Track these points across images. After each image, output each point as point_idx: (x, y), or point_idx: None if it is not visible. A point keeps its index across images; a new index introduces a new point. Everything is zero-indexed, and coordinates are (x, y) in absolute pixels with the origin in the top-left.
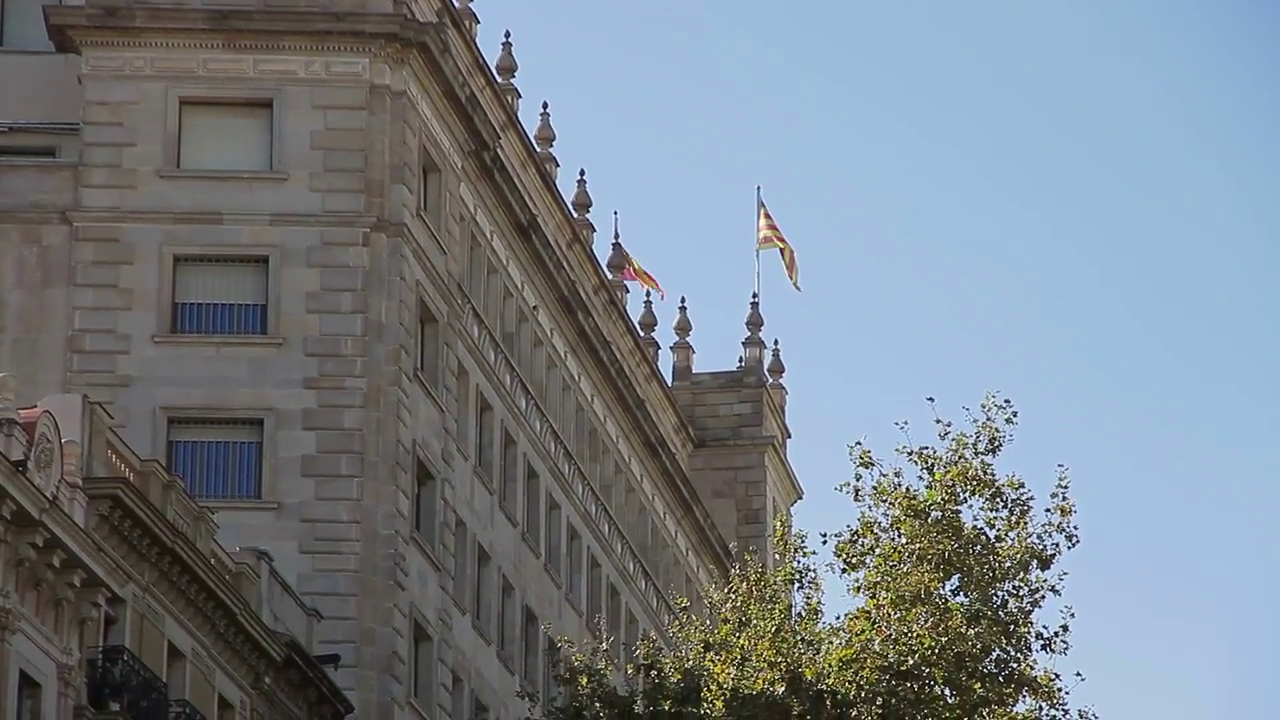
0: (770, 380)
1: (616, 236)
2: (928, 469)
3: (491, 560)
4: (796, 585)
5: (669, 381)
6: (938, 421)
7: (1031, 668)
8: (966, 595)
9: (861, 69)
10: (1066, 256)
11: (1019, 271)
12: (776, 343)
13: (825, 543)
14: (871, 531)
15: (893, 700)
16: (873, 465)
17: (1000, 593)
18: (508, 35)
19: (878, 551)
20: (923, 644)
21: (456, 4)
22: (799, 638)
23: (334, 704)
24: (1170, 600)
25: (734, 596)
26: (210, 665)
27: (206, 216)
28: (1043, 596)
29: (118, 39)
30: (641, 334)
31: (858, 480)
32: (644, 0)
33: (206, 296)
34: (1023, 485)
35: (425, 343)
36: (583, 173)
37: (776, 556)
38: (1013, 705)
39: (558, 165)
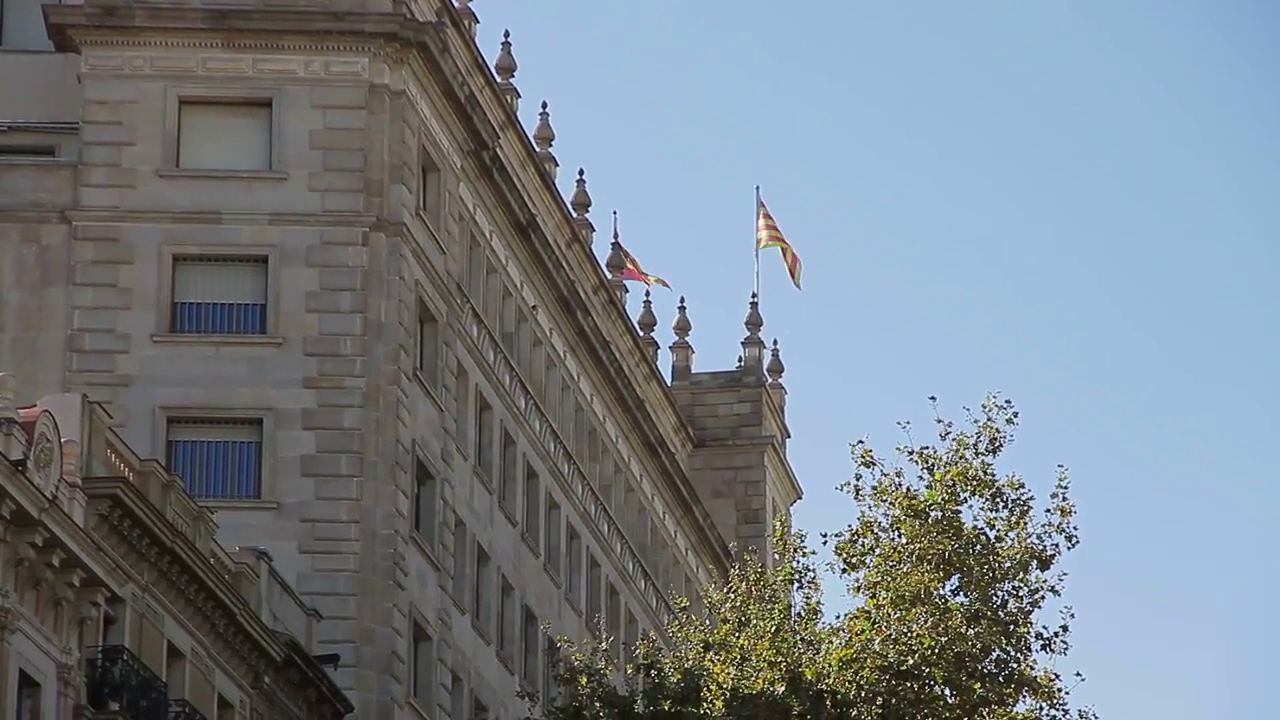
0: (769, 380)
1: (616, 236)
2: (928, 469)
3: (491, 560)
4: (796, 585)
5: (668, 381)
6: (938, 421)
7: (1031, 668)
8: (966, 595)
9: (861, 69)
10: (1067, 257)
11: (1019, 272)
12: (776, 342)
13: (825, 543)
14: (871, 531)
15: (893, 700)
16: (874, 465)
17: (1000, 593)
18: (507, 35)
19: (878, 551)
20: (923, 644)
21: (456, 4)
22: (799, 638)
23: (333, 704)
24: (1170, 600)
25: (733, 596)
26: (210, 665)
27: (206, 216)
28: (1042, 597)
29: (117, 38)
30: (641, 334)
31: (858, 480)
32: (643, 1)
33: (206, 296)
34: (1023, 485)
35: (424, 342)
36: (582, 172)
37: (776, 556)
38: (1013, 705)
39: (557, 165)
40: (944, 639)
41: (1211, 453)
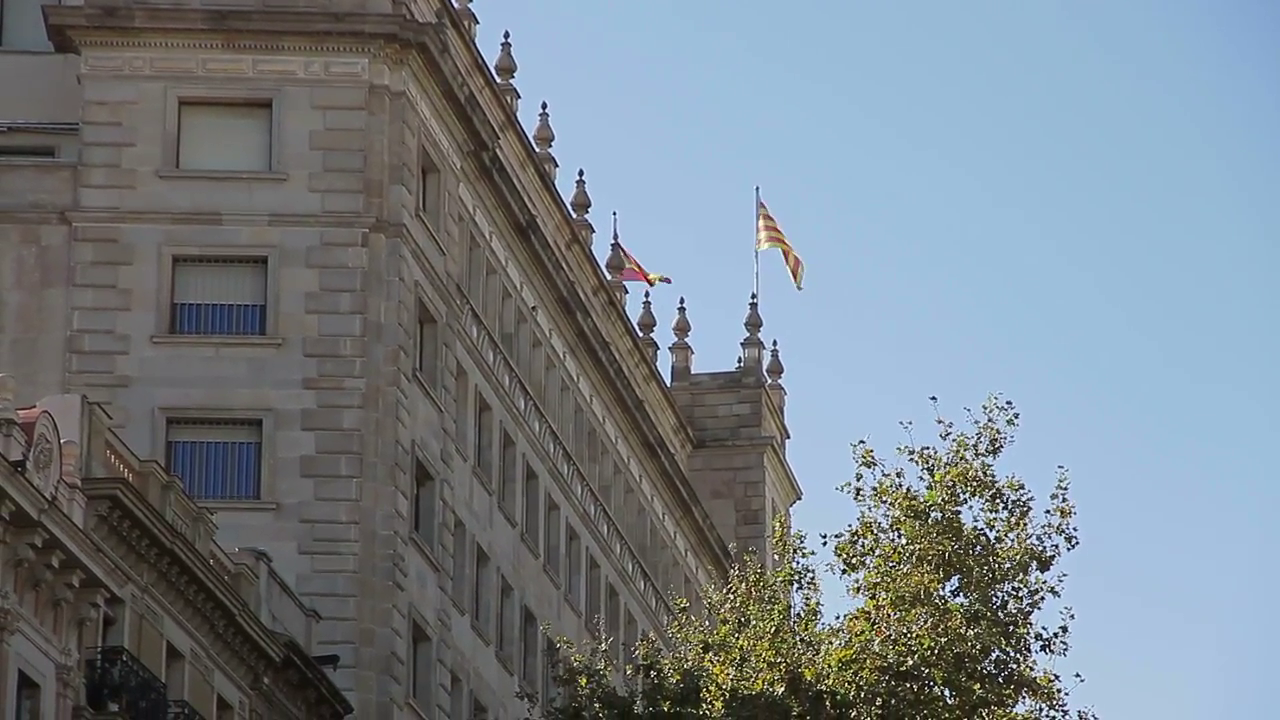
0: (769, 381)
1: (616, 237)
2: (928, 469)
3: (490, 561)
4: (796, 586)
5: (668, 382)
6: (939, 422)
7: (1031, 669)
8: (966, 596)
9: (861, 71)
10: (1067, 258)
11: (1019, 273)
12: (775, 343)
13: (825, 543)
14: (871, 532)
15: (892, 701)
16: (875, 465)
17: (1000, 594)
18: (507, 35)
19: (877, 552)
20: (922, 645)
21: (456, 4)
22: (798, 638)
23: (333, 704)
24: (1170, 601)
25: (733, 597)
26: (209, 666)
27: (205, 217)
28: (1042, 598)
29: (117, 39)
30: (640, 334)
31: (859, 480)
32: (643, 1)
33: (205, 297)
34: (1023, 486)
35: (424, 343)
36: (582, 173)
37: (775, 557)
38: (1012, 706)
39: (557, 165)
40: (944, 640)
41: (1211, 453)
